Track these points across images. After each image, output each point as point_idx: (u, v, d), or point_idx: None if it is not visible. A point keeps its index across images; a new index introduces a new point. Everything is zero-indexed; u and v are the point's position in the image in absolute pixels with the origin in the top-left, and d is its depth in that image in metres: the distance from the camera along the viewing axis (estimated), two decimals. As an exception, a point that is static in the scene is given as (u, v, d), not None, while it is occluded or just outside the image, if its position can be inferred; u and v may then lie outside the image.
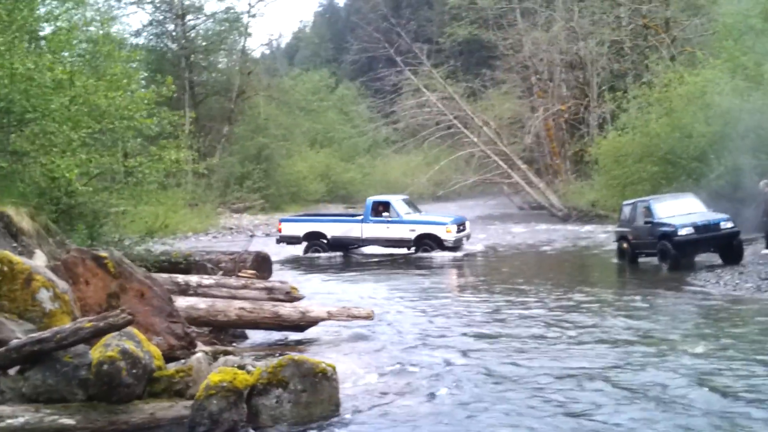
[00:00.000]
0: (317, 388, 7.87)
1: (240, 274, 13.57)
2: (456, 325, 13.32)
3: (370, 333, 12.42)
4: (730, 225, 18.87)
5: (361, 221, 25.43)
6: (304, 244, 26.03)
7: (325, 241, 25.79)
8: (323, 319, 11.80)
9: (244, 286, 12.40)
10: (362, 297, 16.62)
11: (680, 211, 19.65)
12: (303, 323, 11.66)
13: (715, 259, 19.35)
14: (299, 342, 11.83)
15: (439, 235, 24.41)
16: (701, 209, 19.84)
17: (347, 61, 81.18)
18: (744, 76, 24.57)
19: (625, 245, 21.13)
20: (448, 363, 10.20)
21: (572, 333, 12.07)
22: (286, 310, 11.57)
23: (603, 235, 27.65)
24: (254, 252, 14.80)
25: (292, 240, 26.17)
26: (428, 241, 24.45)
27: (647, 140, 28.05)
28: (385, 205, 25.52)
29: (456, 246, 24.44)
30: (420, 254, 24.56)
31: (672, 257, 18.84)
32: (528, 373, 9.59)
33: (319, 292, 16.96)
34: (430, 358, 10.58)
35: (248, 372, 7.91)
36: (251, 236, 27.80)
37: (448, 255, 24.14)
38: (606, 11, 42.06)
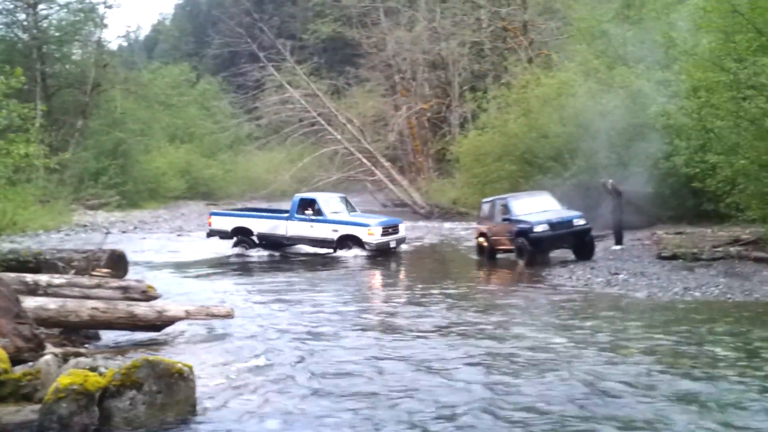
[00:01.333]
0: (173, 389, 7.65)
1: (94, 272, 12.98)
2: (316, 321, 13.27)
3: (229, 331, 12.16)
4: (582, 222, 19.65)
5: (287, 218, 24.25)
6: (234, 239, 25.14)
7: (253, 238, 24.86)
8: (181, 318, 11.47)
9: (98, 285, 11.85)
10: (232, 294, 16.39)
11: (536, 208, 20.30)
12: (160, 323, 11.28)
13: (569, 255, 20.09)
14: (156, 342, 11.44)
15: (360, 236, 23.02)
16: (556, 207, 20.58)
17: (209, 56, 79.64)
18: (596, 79, 25.60)
19: (484, 242, 21.62)
20: (304, 358, 10.27)
21: (427, 327, 12.29)
22: (142, 309, 11.16)
23: (464, 232, 28.25)
24: (109, 250, 14.17)
25: (221, 234, 25.28)
26: (350, 243, 23.15)
27: (506, 140, 28.84)
28: (311, 203, 24.17)
29: (381, 249, 23.04)
30: (332, 254, 23.42)
31: (528, 253, 19.42)
32: (382, 366, 9.73)
33: (192, 291, 16.57)
34: (288, 354, 10.57)
35: (100, 374, 7.62)
36: (107, 234, 26.65)
37: (351, 253, 22.93)
38: (467, 13, 43.02)
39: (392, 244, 23.43)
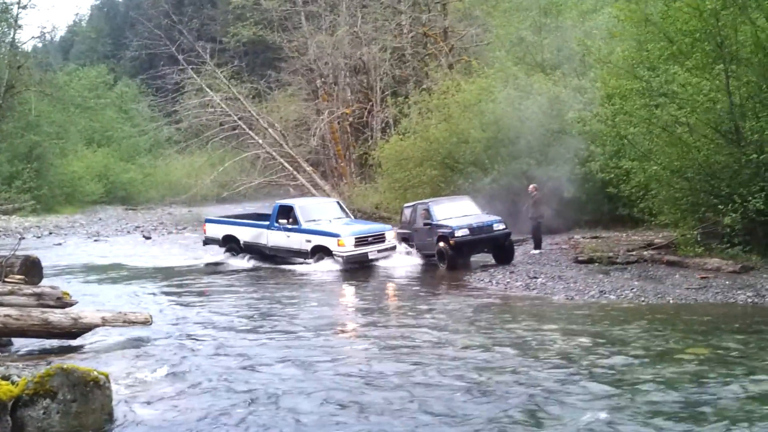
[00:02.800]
0: (89, 397, 7.57)
1: (6, 279, 12.57)
2: (234, 327, 13.29)
3: (148, 338, 12.00)
4: (502, 226, 19.94)
5: (267, 227, 22.58)
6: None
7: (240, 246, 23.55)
8: (98, 326, 11.32)
9: (11, 292, 11.52)
10: (155, 301, 16.08)
11: (457, 213, 20.53)
12: (75, 330, 11.14)
13: (490, 259, 20.35)
14: (72, 349, 11.20)
15: (329, 247, 20.88)
16: (476, 212, 20.83)
17: (127, 58, 78.07)
18: (515, 85, 25.99)
19: (406, 246, 21.73)
20: (221, 365, 10.31)
21: (345, 336, 12.41)
22: (57, 316, 10.95)
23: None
24: (23, 256, 13.75)
25: (214, 242, 24.29)
26: (323, 254, 21.07)
27: (427, 145, 29.02)
28: (289, 210, 22.24)
29: (356, 261, 20.72)
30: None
31: (449, 257, 19.59)
32: (292, 371, 9.74)
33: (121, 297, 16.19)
34: (205, 361, 10.56)
35: (13, 383, 7.54)
36: (21, 239, 25.81)
37: (323, 266, 21.00)
38: (388, 18, 43.18)
39: (371, 255, 20.95)
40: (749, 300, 13.87)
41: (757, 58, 16.66)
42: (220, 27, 58.99)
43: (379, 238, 21.34)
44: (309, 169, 41.47)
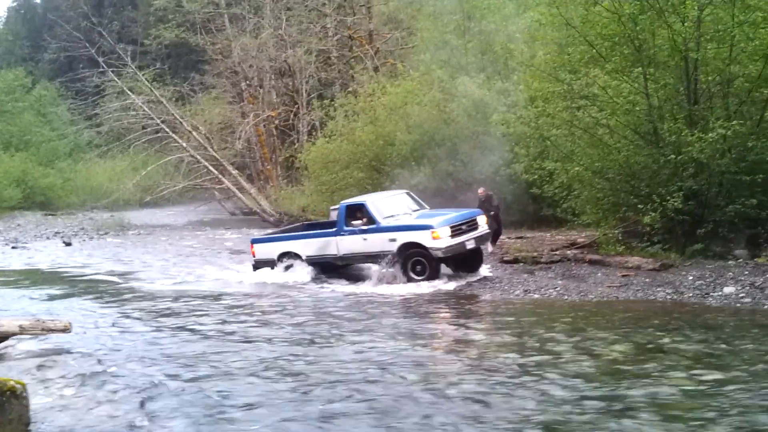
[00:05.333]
0: (5, 407, 7.41)
1: None
2: (153, 336, 13.09)
3: (66, 346, 11.75)
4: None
5: (335, 233, 18.89)
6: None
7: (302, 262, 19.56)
8: (15, 334, 11.04)
9: None
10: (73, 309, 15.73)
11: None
12: (-8, 339, 10.73)
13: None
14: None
15: (423, 242, 17.24)
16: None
17: (45, 60, 76.32)
18: (440, 88, 26.21)
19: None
20: (141, 372, 10.24)
21: (265, 333, 12.29)
22: (-29, 327, 10.58)
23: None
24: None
25: (267, 265, 20.14)
26: (417, 252, 17.40)
27: (353, 147, 29.06)
28: (360, 209, 18.58)
29: (456, 254, 17.44)
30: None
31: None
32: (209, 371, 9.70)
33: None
34: (124, 370, 10.42)
35: None
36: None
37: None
38: (313, 21, 43.11)
39: (469, 245, 17.60)
40: (668, 297, 14.25)
41: (674, 62, 17.14)
42: (142, 29, 58.09)
43: (473, 224, 18.03)
44: (234, 172, 41.08)
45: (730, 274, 14.78)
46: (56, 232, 39.17)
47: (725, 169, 16.10)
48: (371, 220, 18.06)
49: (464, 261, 17.98)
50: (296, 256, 19.49)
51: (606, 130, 18.09)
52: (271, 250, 20.13)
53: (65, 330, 11.48)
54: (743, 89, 16.51)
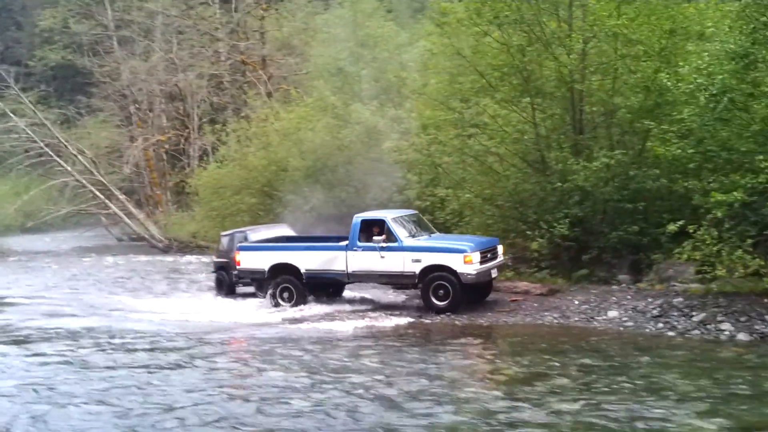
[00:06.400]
0: None
1: None
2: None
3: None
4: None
5: (345, 248, 17.29)
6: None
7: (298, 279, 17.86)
8: None
9: None
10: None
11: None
12: None
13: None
14: None
15: (453, 267, 15.91)
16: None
17: None
18: (334, 114, 26.21)
19: (222, 275, 21.13)
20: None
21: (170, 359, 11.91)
22: None
23: (199, 266, 27.53)
24: None
25: (254, 276, 18.70)
26: (442, 276, 16.13)
27: (246, 173, 28.72)
28: (373, 225, 17.17)
29: (481, 282, 16.32)
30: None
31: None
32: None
33: None
34: None
35: None
36: None
37: None
38: (205, 45, 42.62)
39: (494, 273, 16.74)
40: (555, 321, 14.60)
41: (561, 92, 17.70)
42: (26, 50, 56.24)
43: (495, 252, 16.99)
44: (122, 197, 39.97)
45: (614, 298, 15.24)
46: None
47: (609, 196, 16.65)
48: (391, 237, 16.67)
49: (477, 290, 16.61)
50: (294, 270, 17.71)
51: (496, 158, 18.49)
52: (262, 260, 18.25)
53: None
54: (625, 120, 17.17)
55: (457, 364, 11.45)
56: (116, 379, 11.21)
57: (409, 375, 10.84)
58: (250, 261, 18.36)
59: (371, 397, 9.64)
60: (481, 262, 15.93)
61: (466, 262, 15.66)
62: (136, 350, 13.60)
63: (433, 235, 17.46)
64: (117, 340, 14.54)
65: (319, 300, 17.74)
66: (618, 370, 10.75)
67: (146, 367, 12.13)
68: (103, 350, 13.64)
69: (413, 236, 16.86)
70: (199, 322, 16.51)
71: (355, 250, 16.95)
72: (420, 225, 17.68)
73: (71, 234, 44.64)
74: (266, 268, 17.92)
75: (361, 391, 9.97)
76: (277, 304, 17.29)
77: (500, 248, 17.12)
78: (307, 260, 17.64)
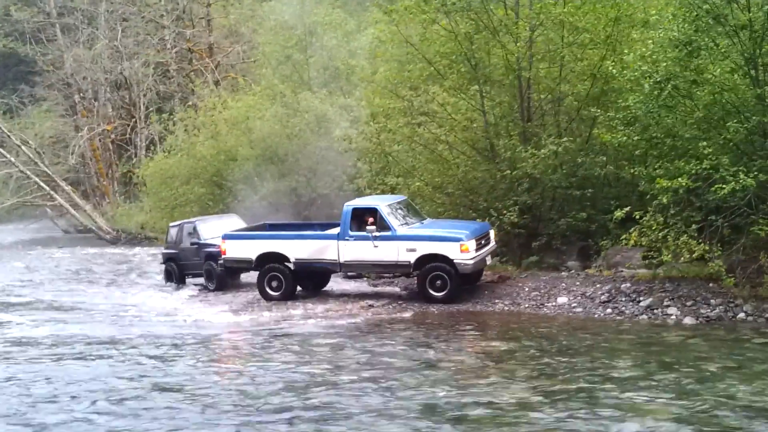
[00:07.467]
0: None
1: None
2: None
3: None
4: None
5: (337, 237, 16.62)
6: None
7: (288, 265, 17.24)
8: None
9: None
10: None
11: (225, 231, 20.00)
12: None
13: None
14: None
15: (449, 255, 15.42)
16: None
17: None
18: (283, 103, 26.02)
19: (173, 267, 20.95)
20: None
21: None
22: None
23: (148, 258, 27.21)
24: None
25: (241, 266, 18.13)
26: (438, 266, 15.65)
27: (194, 162, 28.44)
28: (365, 214, 16.49)
29: (477, 270, 16.16)
30: None
31: (218, 277, 19.18)
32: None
33: None
34: None
35: None
36: None
37: None
38: (150, 33, 41.99)
39: (488, 260, 16.49)
40: (506, 308, 14.73)
41: (508, 80, 17.80)
42: (-35, 38, 54.76)
43: (488, 238, 16.54)
44: (68, 188, 39.25)
45: (563, 284, 15.41)
46: None
47: (557, 184, 16.82)
48: (384, 226, 16.09)
49: (470, 276, 16.16)
50: (283, 258, 17.16)
51: (445, 146, 18.54)
52: (249, 249, 17.60)
53: None
54: (573, 107, 17.36)
55: (410, 354, 11.47)
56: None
57: (364, 365, 10.86)
58: (236, 250, 17.72)
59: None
60: (476, 249, 15.61)
61: (463, 251, 15.29)
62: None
63: (424, 221, 16.94)
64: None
65: (305, 290, 17.74)
66: (567, 355, 10.88)
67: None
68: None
69: (406, 224, 16.36)
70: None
71: (347, 240, 16.38)
72: (410, 211, 17.13)
73: (15, 226, 43.76)
74: (253, 257, 17.40)
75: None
76: (265, 295, 17.07)
77: (492, 233, 16.80)
78: (296, 249, 17.08)
